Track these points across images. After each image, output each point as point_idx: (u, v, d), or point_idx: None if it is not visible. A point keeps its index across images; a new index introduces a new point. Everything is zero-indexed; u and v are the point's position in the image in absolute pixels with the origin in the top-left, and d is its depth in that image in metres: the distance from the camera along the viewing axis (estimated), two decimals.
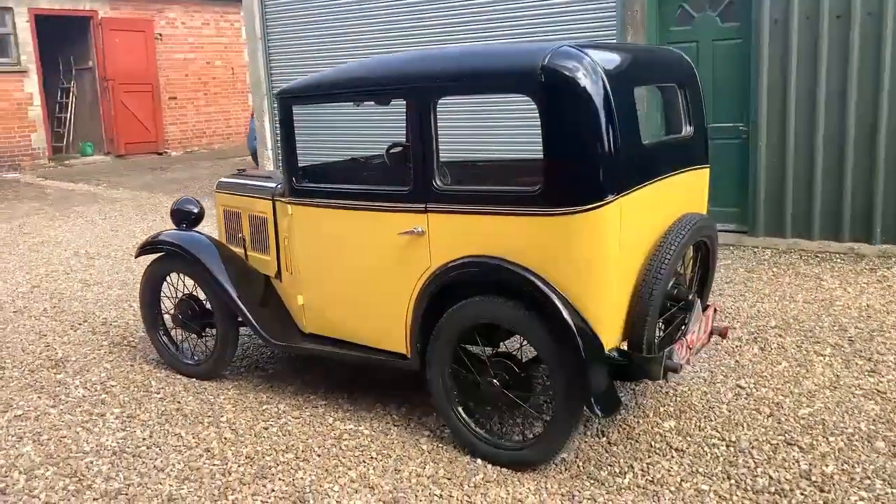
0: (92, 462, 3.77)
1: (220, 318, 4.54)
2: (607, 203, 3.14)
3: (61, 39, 16.09)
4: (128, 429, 4.11)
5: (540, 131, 3.18)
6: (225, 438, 3.97)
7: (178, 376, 4.78)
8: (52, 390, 4.66)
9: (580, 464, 3.59)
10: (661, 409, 4.09)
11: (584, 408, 3.31)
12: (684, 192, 3.72)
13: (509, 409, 3.60)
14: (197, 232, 4.74)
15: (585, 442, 3.78)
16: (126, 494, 3.48)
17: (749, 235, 7.34)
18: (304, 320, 4.29)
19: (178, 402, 4.41)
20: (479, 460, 3.63)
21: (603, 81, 3.13)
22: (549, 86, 3.13)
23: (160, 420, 4.20)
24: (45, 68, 15.68)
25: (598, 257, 3.20)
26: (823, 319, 5.32)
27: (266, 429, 4.06)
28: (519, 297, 3.34)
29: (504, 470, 3.55)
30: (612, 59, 3.30)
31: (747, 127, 7.23)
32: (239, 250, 4.70)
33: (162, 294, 4.91)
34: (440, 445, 3.79)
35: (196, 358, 4.80)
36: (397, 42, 8.99)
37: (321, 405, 4.30)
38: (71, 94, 16.89)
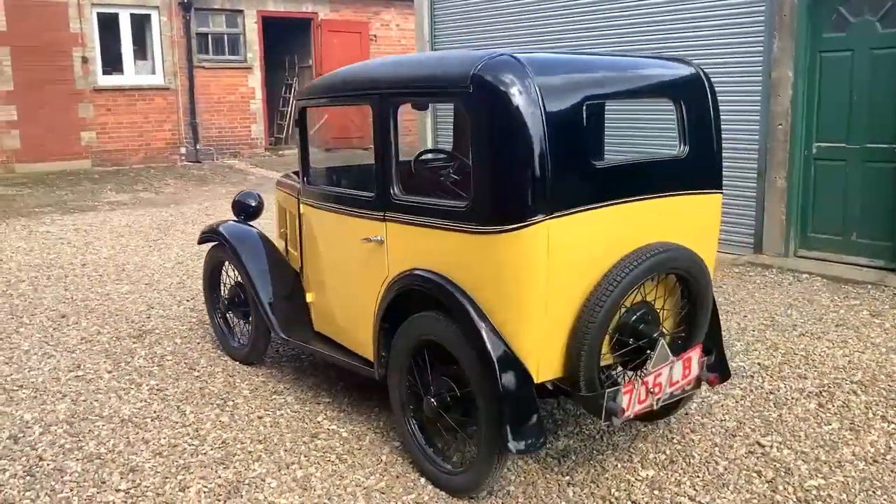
0: (99, 426, 4.13)
1: (253, 308, 4.77)
2: (531, 224, 2.91)
3: (286, 39, 17.53)
4: (149, 401, 4.46)
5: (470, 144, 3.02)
6: (220, 422, 4.18)
7: (225, 358, 5.09)
8: (119, 357, 5.15)
9: (521, 499, 3.37)
10: (652, 456, 3.71)
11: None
12: (668, 219, 3.33)
13: (448, 431, 3.45)
14: (249, 225, 5.02)
15: (546, 476, 3.54)
16: (102, 459, 3.78)
17: None
18: (312, 317, 4.40)
19: (206, 382, 4.71)
20: (423, 479, 3.53)
21: (536, 95, 2.90)
22: (478, 97, 2.96)
23: (181, 397, 4.51)
24: (270, 66, 17.18)
25: (521, 281, 2.99)
26: None
27: (260, 418, 4.22)
28: (452, 315, 3.20)
29: (442, 494, 3.42)
30: (558, 71, 3.05)
31: None
32: (282, 245, 4.91)
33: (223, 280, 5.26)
34: (398, 458, 3.72)
35: (241, 342, 5.08)
36: (554, 45, 8.81)
37: (324, 402, 4.39)
38: (293, 89, 18.35)
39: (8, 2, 13.77)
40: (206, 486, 3.52)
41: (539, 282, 2.97)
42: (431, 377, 3.42)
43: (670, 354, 3.27)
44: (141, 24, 15.38)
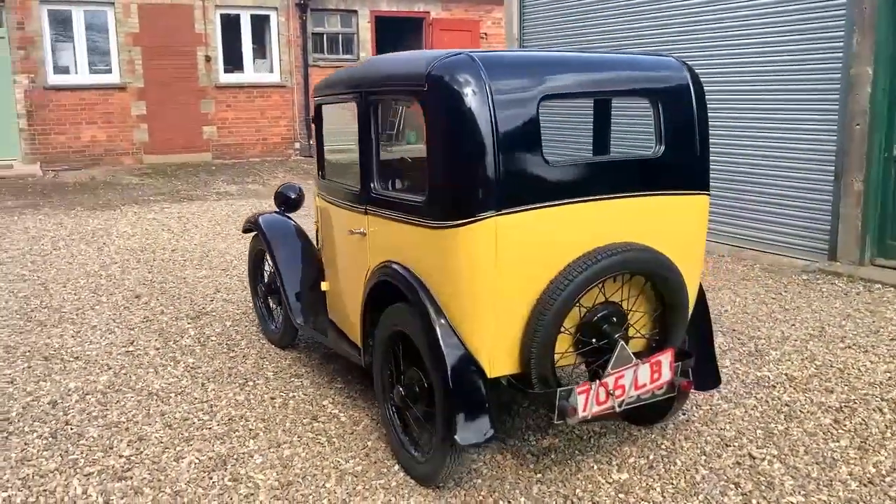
0: (128, 398, 4.48)
1: (284, 295, 5.01)
2: (478, 220, 2.95)
3: (398, 38, 17.94)
4: (181, 377, 4.77)
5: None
6: (236, 400, 4.43)
7: (263, 341, 5.37)
8: (170, 336, 5.53)
9: (485, 492, 3.41)
10: (632, 460, 3.65)
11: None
12: (639, 219, 3.25)
13: (416, 421, 3.53)
14: (287, 217, 5.26)
15: (518, 472, 3.56)
16: (118, 427, 4.10)
17: None
18: (328, 306, 4.58)
19: (238, 362, 4.99)
20: (396, 466, 3.63)
21: (487, 94, 2.93)
22: (431, 96, 3.03)
23: (210, 375, 4.80)
24: None
25: (470, 275, 3.03)
26: None
27: (272, 398, 4.44)
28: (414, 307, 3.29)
29: (411, 481, 3.51)
30: (514, 70, 3.06)
31: None
32: (313, 236, 5.13)
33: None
34: (382, 445, 3.83)
35: (277, 326, 5.34)
36: (639, 42, 8.65)
37: (336, 388, 4.56)
38: None
39: (142, 6, 14.85)
40: (198, 458, 3.76)
41: (487, 277, 3.01)
42: (403, 367, 3.51)
43: (632, 357, 3.22)
44: (260, 25, 16.18)
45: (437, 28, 17.56)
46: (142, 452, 3.83)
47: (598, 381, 3.15)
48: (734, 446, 3.77)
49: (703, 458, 3.66)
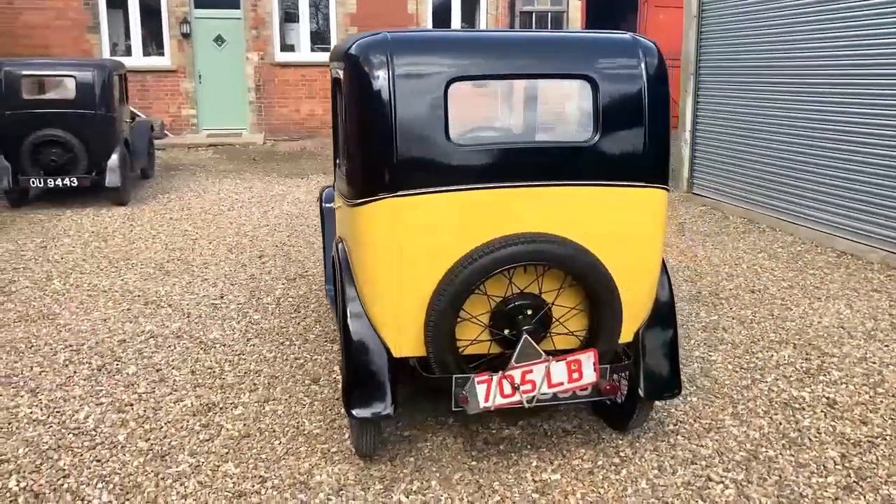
0: (181, 344, 4.97)
1: (324, 264, 5.27)
2: (377, 200, 2.97)
3: (610, 17, 17.45)
4: (237, 329, 5.20)
5: None
6: (263, 356, 4.77)
7: (324, 308, 5.68)
8: (258, 294, 6.00)
9: (409, 469, 3.43)
10: (576, 462, 3.48)
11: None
12: (561, 209, 3.04)
13: None
14: None
15: (456, 456, 3.54)
16: (153, 369, 4.58)
17: None
18: None
19: (293, 323, 5.33)
20: (346, 432, 3.75)
21: (389, 76, 2.92)
22: (345, 75, 3.09)
23: (262, 331, 5.18)
24: None
25: (371, 254, 3.07)
26: None
27: (296, 359, 4.71)
28: None
29: (350, 449, 3.59)
30: (425, 51, 3.00)
31: None
32: None
33: None
34: None
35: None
36: (825, 32, 7.83)
37: None
38: None
39: None
40: (192, 403, 4.13)
41: (388, 257, 3.02)
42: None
43: (541, 352, 3.06)
44: (470, 4, 16.55)
45: (653, 6, 16.84)
46: (153, 392, 4.28)
47: (500, 373, 3.05)
48: (699, 465, 3.44)
49: (655, 472, 3.39)
